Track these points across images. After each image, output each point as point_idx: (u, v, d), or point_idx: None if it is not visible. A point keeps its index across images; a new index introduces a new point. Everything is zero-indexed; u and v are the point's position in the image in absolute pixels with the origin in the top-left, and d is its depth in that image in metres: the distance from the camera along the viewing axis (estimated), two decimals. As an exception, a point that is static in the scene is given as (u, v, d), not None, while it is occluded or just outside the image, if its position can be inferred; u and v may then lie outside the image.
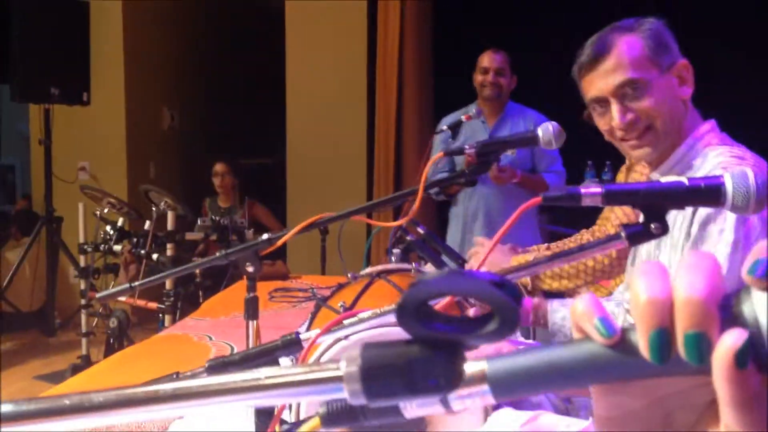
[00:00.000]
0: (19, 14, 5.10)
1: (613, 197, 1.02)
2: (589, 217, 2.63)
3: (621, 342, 0.40)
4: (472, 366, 0.41)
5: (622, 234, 1.01)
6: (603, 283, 2.50)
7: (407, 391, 0.41)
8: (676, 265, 0.38)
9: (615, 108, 1.66)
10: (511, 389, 0.42)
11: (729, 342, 0.36)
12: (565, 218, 2.73)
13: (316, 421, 0.49)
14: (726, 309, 0.38)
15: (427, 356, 0.41)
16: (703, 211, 1.43)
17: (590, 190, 1.02)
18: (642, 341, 0.39)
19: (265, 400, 0.41)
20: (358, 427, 0.49)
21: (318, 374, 0.41)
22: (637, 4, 1.78)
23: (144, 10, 6.33)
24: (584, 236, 2.52)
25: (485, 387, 0.41)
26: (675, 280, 0.38)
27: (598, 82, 1.67)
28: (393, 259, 2.40)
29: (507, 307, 0.40)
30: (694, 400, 0.42)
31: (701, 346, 0.37)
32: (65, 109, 5.53)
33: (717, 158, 1.51)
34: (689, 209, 1.41)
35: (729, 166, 1.46)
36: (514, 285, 0.40)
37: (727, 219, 1.41)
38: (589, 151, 4.35)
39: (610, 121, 1.69)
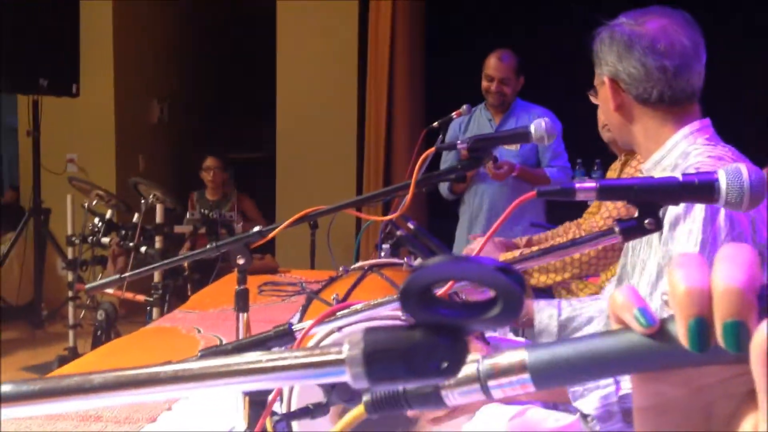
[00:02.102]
0: (8, 4, 5.06)
1: (608, 192, 1.03)
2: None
3: (660, 332, 0.41)
4: (512, 355, 0.42)
5: (616, 229, 1.01)
6: (592, 280, 2.51)
7: (410, 375, 0.41)
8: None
9: None
10: (551, 378, 0.42)
11: (766, 330, 0.37)
12: (564, 215, 2.74)
13: (360, 408, 0.50)
14: (764, 299, 0.39)
15: (429, 341, 0.41)
16: (672, 212, 1.44)
17: (584, 185, 1.03)
18: (681, 330, 0.39)
19: (266, 383, 0.41)
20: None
21: (320, 357, 0.41)
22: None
23: (135, 3, 6.30)
24: (571, 229, 2.53)
25: (525, 376, 0.42)
26: (714, 271, 0.39)
27: None
28: (383, 254, 2.41)
29: (511, 292, 0.40)
30: (733, 390, 0.43)
31: (740, 334, 0.38)
32: (54, 101, 5.49)
33: (695, 158, 1.52)
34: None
35: (703, 166, 1.48)
36: (518, 271, 0.40)
37: (695, 220, 1.42)
38: (580, 150, 4.37)
39: None
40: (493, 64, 3.96)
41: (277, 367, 0.41)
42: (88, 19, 5.65)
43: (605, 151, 2.74)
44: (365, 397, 0.51)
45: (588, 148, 4.25)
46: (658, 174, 1.62)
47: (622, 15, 1.65)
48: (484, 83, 4.00)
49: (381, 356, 0.41)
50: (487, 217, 4.02)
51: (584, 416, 1.48)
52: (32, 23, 5.15)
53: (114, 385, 0.41)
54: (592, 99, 1.78)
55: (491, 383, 0.43)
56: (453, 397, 0.45)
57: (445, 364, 0.41)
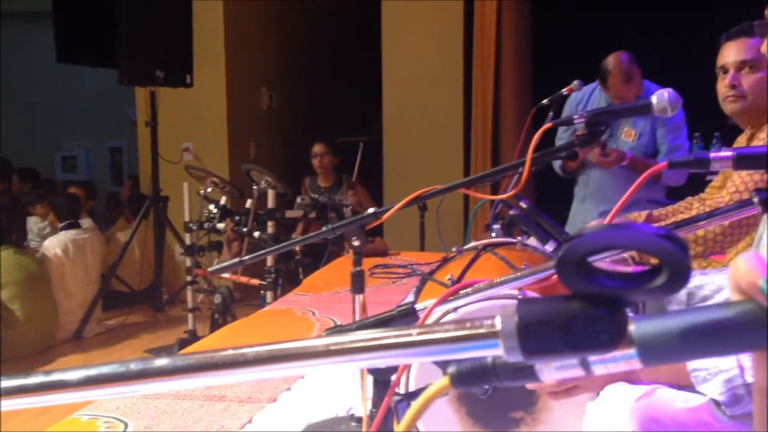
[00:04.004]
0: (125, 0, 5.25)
1: (746, 161, 0.98)
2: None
3: None
4: None
5: (755, 200, 0.96)
6: (716, 258, 2.40)
7: (568, 348, 0.39)
8: None
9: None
10: (661, 354, 0.39)
11: None
12: (683, 193, 2.65)
13: (445, 380, 0.46)
14: None
15: (588, 312, 0.39)
16: None
17: (720, 154, 0.98)
18: None
19: (417, 357, 0.41)
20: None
21: (472, 330, 0.40)
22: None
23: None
24: (694, 205, 2.43)
25: (631, 350, 0.39)
26: None
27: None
28: (493, 234, 2.38)
29: (677, 261, 0.37)
30: None
31: None
32: (169, 92, 5.67)
33: None
34: None
35: None
36: (681, 238, 0.38)
37: None
38: (697, 124, 4.18)
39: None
40: (614, 84, 3.65)
41: (429, 341, 0.40)
42: (199, 9, 5.81)
43: (723, 124, 2.62)
44: (450, 369, 0.47)
45: (705, 121, 4.06)
46: None
47: None
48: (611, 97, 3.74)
49: (537, 328, 0.39)
50: (595, 200, 3.88)
51: (717, 403, 1.43)
52: (148, 16, 5.33)
53: (276, 357, 0.41)
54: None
55: (592, 358, 0.39)
56: (548, 372, 0.42)
57: (604, 337, 0.39)
